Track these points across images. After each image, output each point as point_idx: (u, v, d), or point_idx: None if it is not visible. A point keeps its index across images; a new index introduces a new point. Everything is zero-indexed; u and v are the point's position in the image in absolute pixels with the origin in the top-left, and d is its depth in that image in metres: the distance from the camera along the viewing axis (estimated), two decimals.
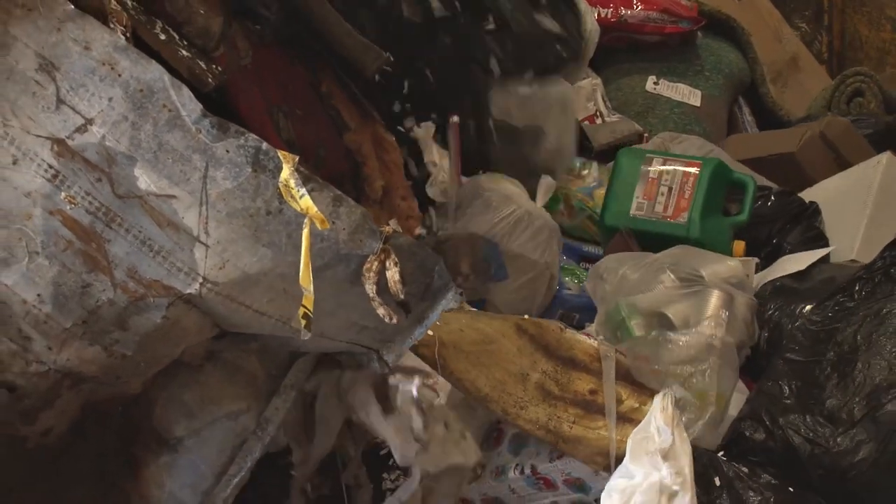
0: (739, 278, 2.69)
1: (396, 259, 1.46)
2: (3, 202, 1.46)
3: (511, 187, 2.70)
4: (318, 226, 1.37)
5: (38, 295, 1.47)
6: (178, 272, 1.45)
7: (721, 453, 2.33)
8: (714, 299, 2.62)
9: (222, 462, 1.77)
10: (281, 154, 1.39)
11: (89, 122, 1.42)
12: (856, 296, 2.37)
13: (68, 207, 1.45)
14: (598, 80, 3.43)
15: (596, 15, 3.44)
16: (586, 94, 3.37)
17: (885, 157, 2.99)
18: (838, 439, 2.22)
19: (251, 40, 1.62)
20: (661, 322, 2.63)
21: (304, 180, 1.39)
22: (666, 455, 1.92)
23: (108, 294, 1.46)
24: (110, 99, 1.41)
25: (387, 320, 1.47)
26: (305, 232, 1.37)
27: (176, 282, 1.45)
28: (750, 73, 3.74)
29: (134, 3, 1.49)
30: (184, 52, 1.49)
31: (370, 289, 1.46)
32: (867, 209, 2.97)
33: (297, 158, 1.39)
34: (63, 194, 1.45)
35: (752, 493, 2.26)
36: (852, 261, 2.79)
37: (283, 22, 1.66)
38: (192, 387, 1.75)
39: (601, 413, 2.05)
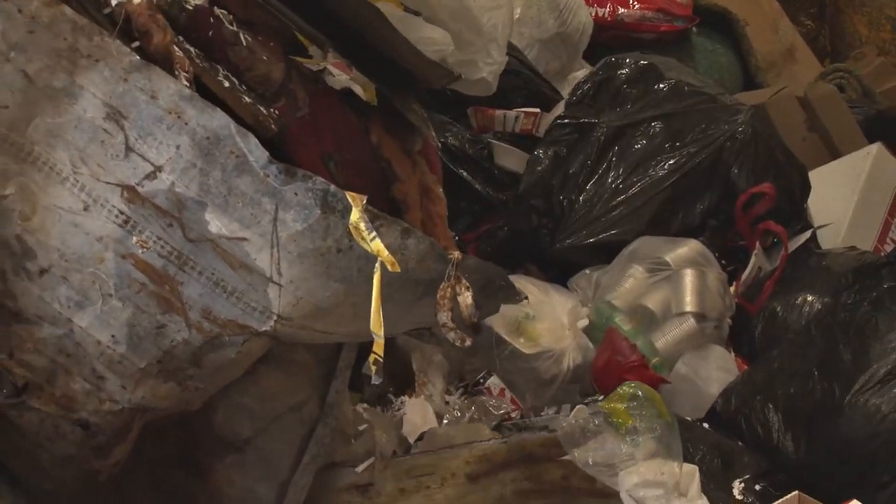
0: (703, 255, 2.78)
1: (468, 284, 1.52)
2: (75, 247, 1.49)
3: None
4: (389, 268, 1.41)
5: (113, 336, 1.51)
6: (253, 311, 1.48)
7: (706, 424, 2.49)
8: (689, 278, 2.71)
9: (294, 452, 1.83)
10: (349, 195, 1.43)
11: (158, 169, 1.45)
12: (852, 296, 2.47)
13: (140, 251, 1.48)
14: None
15: (593, 14, 3.53)
16: None
17: (875, 147, 3.11)
18: (783, 435, 2.34)
19: (308, 88, 1.66)
20: (644, 313, 2.72)
21: (373, 218, 1.43)
22: None
23: (183, 334, 1.50)
24: (178, 147, 1.44)
25: (457, 344, 1.54)
26: (376, 277, 1.41)
27: (251, 321, 1.49)
28: (741, 72, 3.84)
29: (197, 51, 1.53)
30: (247, 99, 1.54)
31: (444, 316, 1.51)
32: (855, 196, 3.08)
33: (364, 199, 1.44)
34: (135, 239, 1.48)
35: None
36: (851, 247, 2.89)
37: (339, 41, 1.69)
38: (250, 389, 1.79)
39: (583, 493, 2.12)
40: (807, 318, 2.72)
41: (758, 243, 2.90)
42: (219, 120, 1.44)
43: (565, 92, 3.35)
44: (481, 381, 2.72)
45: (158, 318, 1.50)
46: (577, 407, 2.17)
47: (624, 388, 2.22)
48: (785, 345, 2.49)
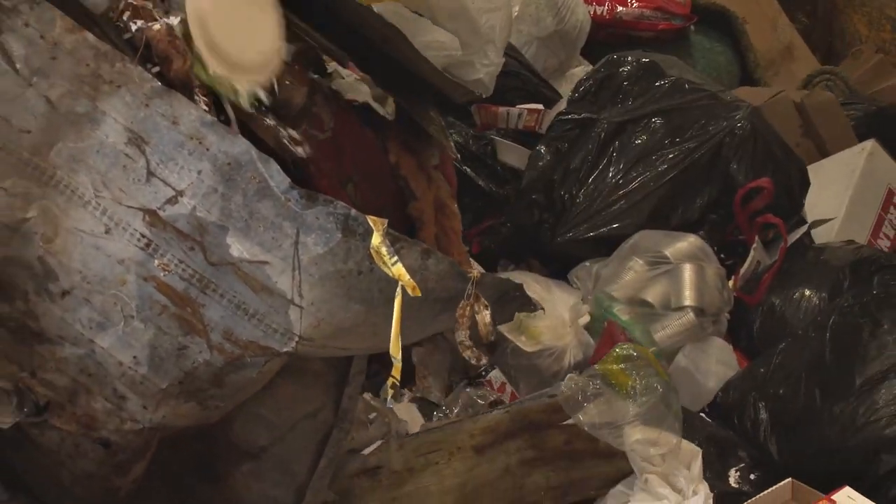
0: (703, 250, 2.80)
1: (486, 302, 1.53)
2: (97, 269, 1.50)
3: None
4: (410, 292, 1.42)
5: (134, 357, 1.52)
6: (275, 333, 1.49)
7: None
8: (688, 273, 2.73)
9: (310, 458, 1.85)
10: (370, 219, 1.44)
11: (180, 193, 1.46)
12: (848, 299, 2.48)
13: (162, 274, 1.49)
14: (591, 68, 3.50)
15: (592, 12, 3.54)
16: None
17: (870, 144, 3.14)
18: (769, 435, 2.37)
19: (331, 108, 1.66)
20: (643, 306, 2.75)
21: (393, 241, 1.44)
22: None
23: (205, 356, 1.51)
24: (199, 172, 1.45)
25: (473, 362, 1.55)
26: (397, 301, 1.42)
27: (272, 342, 1.49)
28: (739, 70, 3.85)
29: None
30: (269, 121, 1.54)
31: (463, 334, 1.53)
32: (849, 191, 3.11)
33: (385, 223, 1.45)
34: (156, 262, 1.48)
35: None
36: (849, 241, 2.91)
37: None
38: (266, 400, 1.80)
39: (587, 456, 2.16)
40: (804, 312, 2.74)
41: (756, 237, 2.92)
42: (240, 146, 1.45)
43: (563, 88, 3.37)
44: (483, 373, 2.73)
45: (180, 339, 1.51)
46: (569, 375, 2.20)
47: (617, 350, 2.25)
48: (788, 342, 2.51)
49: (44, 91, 1.46)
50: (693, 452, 2.11)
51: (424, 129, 1.88)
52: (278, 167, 1.44)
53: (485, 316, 1.52)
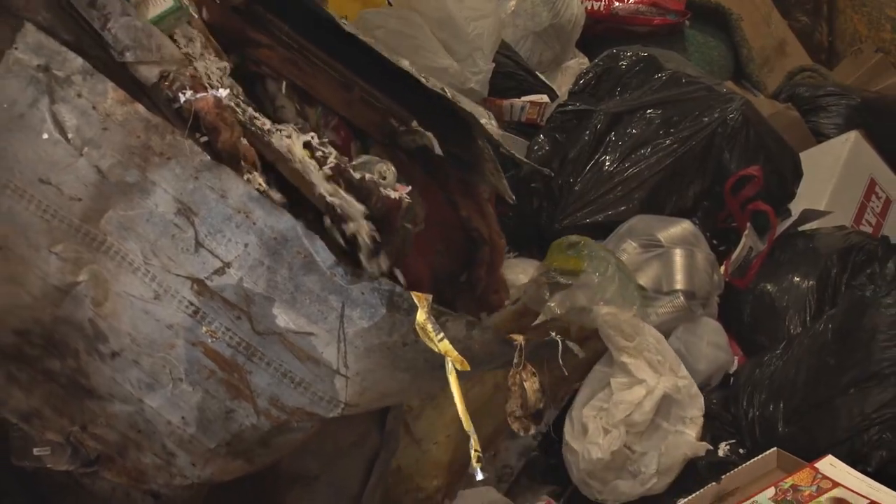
0: (695, 236, 2.77)
1: (534, 369, 1.49)
2: (146, 333, 1.46)
3: None
4: (458, 367, 1.38)
5: (183, 418, 1.49)
6: (321, 400, 1.45)
7: None
8: (678, 258, 2.70)
9: (361, 476, 1.84)
10: (415, 296, 1.40)
11: (227, 265, 1.42)
12: (832, 310, 2.44)
13: (210, 340, 1.45)
14: (585, 60, 3.45)
15: (589, 7, 3.49)
16: (574, 73, 3.37)
17: (853, 134, 3.12)
18: (748, 436, 2.34)
19: (419, 190, 1.61)
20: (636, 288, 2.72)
21: (437, 315, 1.39)
22: None
23: (252, 420, 1.48)
24: (246, 245, 1.41)
25: (521, 434, 1.51)
26: (453, 379, 1.37)
27: (318, 409, 1.46)
28: (733, 65, 3.77)
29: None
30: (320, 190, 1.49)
31: (515, 404, 1.49)
32: (833, 179, 3.08)
33: (430, 298, 1.40)
34: (204, 328, 1.45)
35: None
36: (840, 227, 2.89)
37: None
38: (313, 436, 1.76)
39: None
40: (794, 298, 2.70)
41: (749, 224, 2.89)
42: (286, 222, 1.40)
43: (559, 81, 3.31)
44: None
45: (227, 403, 1.48)
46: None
47: (555, 244, 2.22)
48: (793, 347, 2.48)
49: (95, 161, 1.42)
50: (658, 337, 2.13)
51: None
52: (323, 244, 1.40)
53: (533, 383, 1.48)
